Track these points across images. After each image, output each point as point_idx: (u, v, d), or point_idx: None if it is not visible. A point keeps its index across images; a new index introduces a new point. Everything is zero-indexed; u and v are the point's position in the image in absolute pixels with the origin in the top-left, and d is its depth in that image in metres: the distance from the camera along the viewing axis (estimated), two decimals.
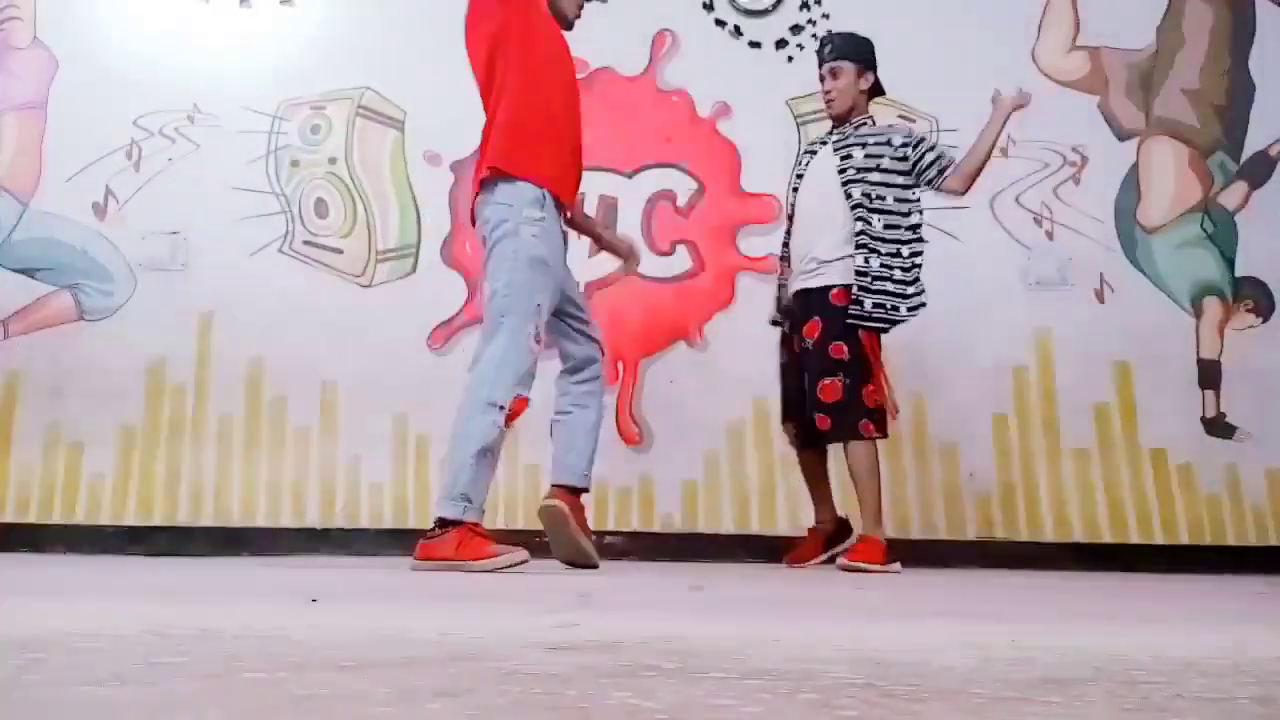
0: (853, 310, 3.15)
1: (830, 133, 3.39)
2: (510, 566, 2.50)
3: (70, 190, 4.00)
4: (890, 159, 3.22)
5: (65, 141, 4.04)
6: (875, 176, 3.22)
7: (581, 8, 2.95)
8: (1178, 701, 0.81)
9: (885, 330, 3.19)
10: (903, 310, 3.16)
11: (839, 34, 3.43)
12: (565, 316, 2.88)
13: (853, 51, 3.31)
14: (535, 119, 2.74)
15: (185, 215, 3.98)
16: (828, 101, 3.35)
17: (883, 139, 3.26)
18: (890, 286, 3.15)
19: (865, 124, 3.32)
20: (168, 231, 3.98)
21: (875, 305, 3.14)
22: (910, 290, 3.17)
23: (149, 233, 3.97)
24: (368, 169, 4.07)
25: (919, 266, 3.20)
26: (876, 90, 3.37)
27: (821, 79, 3.38)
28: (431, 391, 3.83)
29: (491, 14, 2.74)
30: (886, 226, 3.19)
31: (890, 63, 3.99)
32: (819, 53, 3.40)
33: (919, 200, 3.26)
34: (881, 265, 3.15)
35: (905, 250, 3.19)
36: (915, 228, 3.23)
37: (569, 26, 2.94)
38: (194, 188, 4.01)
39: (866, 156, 3.23)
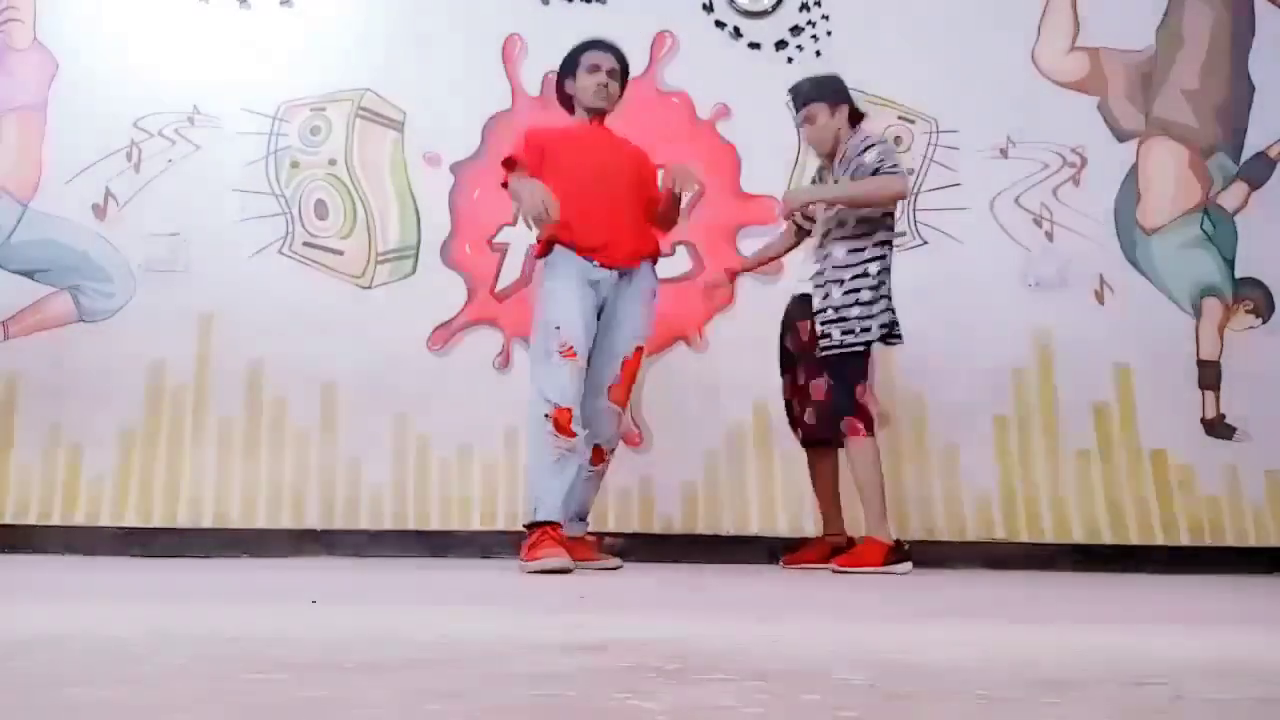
0: (823, 344, 3.17)
1: (819, 170, 3.45)
2: (549, 571, 2.66)
3: (70, 192, 3.99)
4: (864, 174, 3.19)
5: (65, 143, 4.03)
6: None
7: (603, 89, 3.13)
8: (1178, 702, 0.81)
9: (866, 350, 3.16)
10: (874, 328, 3.13)
11: (802, 81, 3.40)
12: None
13: (818, 92, 3.31)
14: (566, 206, 2.92)
15: (185, 217, 3.98)
16: (811, 146, 3.40)
17: (859, 156, 3.20)
18: (856, 310, 3.14)
19: (845, 149, 3.26)
20: (168, 233, 3.97)
21: (844, 332, 3.14)
22: (875, 309, 3.14)
23: (149, 234, 3.97)
24: (367, 170, 4.07)
25: (887, 277, 3.17)
26: (856, 116, 3.34)
27: (799, 130, 3.46)
28: (431, 392, 3.84)
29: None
30: (850, 251, 3.18)
31: (890, 63, 4.02)
32: (791, 105, 3.39)
33: (885, 215, 3.21)
34: (844, 294, 3.16)
35: (873, 268, 3.17)
36: (882, 243, 3.20)
37: (600, 113, 3.16)
38: (194, 189, 4.01)
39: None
